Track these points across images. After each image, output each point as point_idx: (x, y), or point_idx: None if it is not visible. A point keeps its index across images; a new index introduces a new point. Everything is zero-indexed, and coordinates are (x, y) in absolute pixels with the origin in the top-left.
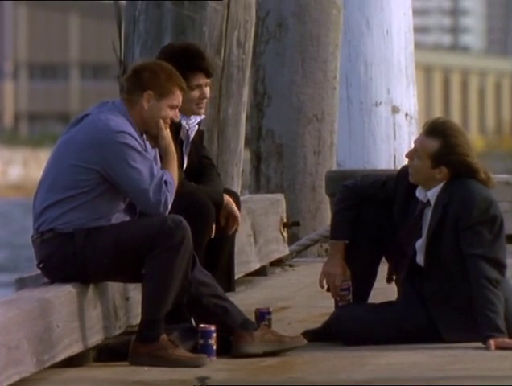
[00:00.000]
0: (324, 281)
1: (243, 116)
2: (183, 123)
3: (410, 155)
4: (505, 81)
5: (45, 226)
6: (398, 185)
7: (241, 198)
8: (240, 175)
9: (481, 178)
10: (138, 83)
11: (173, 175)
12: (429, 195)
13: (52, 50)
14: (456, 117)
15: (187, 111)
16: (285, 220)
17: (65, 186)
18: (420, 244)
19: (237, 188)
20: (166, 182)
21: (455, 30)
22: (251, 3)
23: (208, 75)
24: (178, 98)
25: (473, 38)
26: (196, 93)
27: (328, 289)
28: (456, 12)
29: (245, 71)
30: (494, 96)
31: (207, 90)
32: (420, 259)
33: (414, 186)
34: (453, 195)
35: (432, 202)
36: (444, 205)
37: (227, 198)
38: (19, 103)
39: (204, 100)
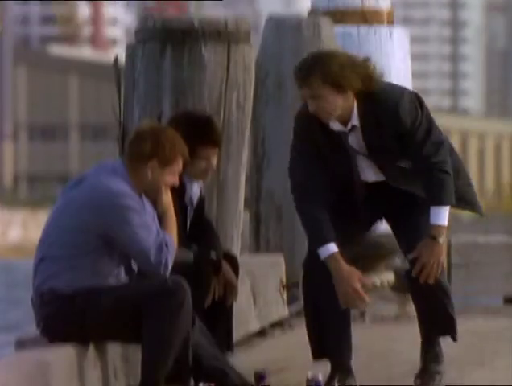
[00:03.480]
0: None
1: (243, 177)
2: (188, 188)
3: (312, 105)
4: (504, 143)
5: (44, 286)
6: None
7: (241, 259)
8: (239, 237)
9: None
10: (141, 151)
11: (173, 237)
12: (353, 121)
13: (52, 111)
14: None
15: (192, 175)
16: (284, 281)
17: (64, 246)
18: (362, 164)
19: (236, 249)
20: (166, 244)
21: (454, 92)
22: (250, 64)
23: (216, 145)
24: (180, 164)
25: (473, 100)
26: (203, 163)
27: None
28: (455, 75)
29: (244, 133)
30: (494, 158)
31: (214, 160)
32: (368, 175)
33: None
34: (377, 111)
35: (358, 125)
36: (375, 123)
37: (226, 266)
38: (19, 164)
39: (211, 170)
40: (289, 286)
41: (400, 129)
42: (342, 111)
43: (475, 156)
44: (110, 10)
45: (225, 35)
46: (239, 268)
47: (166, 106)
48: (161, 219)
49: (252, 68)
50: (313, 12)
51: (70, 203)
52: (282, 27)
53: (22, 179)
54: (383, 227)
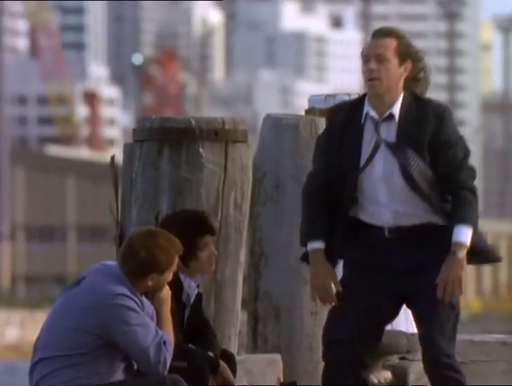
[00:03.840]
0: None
1: (240, 276)
2: (185, 286)
3: (374, 64)
4: (502, 243)
5: (41, 384)
6: (333, 128)
7: (238, 358)
8: (237, 336)
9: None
10: (137, 269)
11: (170, 334)
12: (393, 110)
13: (50, 212)
14: None
15: (193, 272)
16: (282, 380)
17: (62, 346)
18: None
19: (234, 349)
20: (164, 342)
21: None
22: (248, 164)
23: (213, 233)
24: (176, 262)
25: None
26: (205, 253)
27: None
28: None
29: (242, 232)
30: None
31: (213, 247)
32: (377, 169)
33: (349, 119)
34: (423, 110)
35: (396, 116)
36: (416, 119)
37: (223, 365)
38: (17, 265)
39: (214, 258)
40: (287, 385)
41: (437, 138)
42: (388, 95)
43: None
44: (107, 111)
45: (223, 135)
46: (236, 367)
47: (163, 206)
48: (157, 315)
49: (249, 168)
50: (310, 111)
51: (68, 304)
52: (279, 126)
53: (20, 280)
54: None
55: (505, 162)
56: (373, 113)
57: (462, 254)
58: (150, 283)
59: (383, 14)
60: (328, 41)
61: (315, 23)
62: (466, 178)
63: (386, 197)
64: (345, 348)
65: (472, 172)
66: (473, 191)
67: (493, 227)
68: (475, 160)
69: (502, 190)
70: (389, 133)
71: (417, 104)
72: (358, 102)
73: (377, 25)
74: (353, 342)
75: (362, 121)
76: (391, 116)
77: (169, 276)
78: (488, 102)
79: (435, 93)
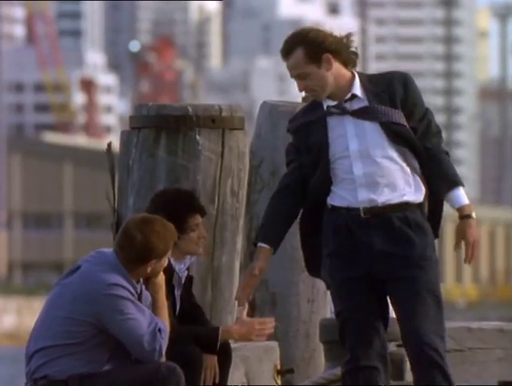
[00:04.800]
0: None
1: (237, 264)
2: (176, 269)
3: (300, 84)
4: (498, 230)
5: (38, 373)
6: (300, 131)
7: (235, 345)
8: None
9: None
10: (136, 255)
11: (166, 322)
12: (354, 91)
13: (46, 199)
14: (449, 266)
15: (181, 255)
16: (279, 368)
17: (57, 336)
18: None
19: None
20: (160, 330)
21: None
22: (245, 152)
23: (202, 214)
24: (172, 245)
25: (467, 188)
26: (195, 234)
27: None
28: None
29: (238, 220)
30: (488, 246)
31: (203, 229)
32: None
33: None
34: (385, 81)
35: (359, 93)
36: (382, 91)
37: (210, 358)
38: (13, 252)
39: (203, 239)
40: (283, 372)
41: (406, 102)
42: (335, 89)
43: None
44: (104, 98)
45: (220, 122)
46: (232, 355)
47: None
48: (153, 302)
49: (246, 155)
50: (306, 98)
51: (63, 293)
52: (276, 113)
53: (17, 267)
54: None
55: (502, 149)
56: (333, 103)
57: (474, 215)
58: (148, 270)
59: (379, 1)
60: (325, 28)
61: (312, 10)
62: (440, 142)
63: (362, 172)
64: (372, 370)
65: (441, 133)
66: (448, 153)
67: (490, 215)
68: (472, 147)
69: (499, 178)
70: (355, 105)
71: (376, 78)
72: (315, 104)
73: (373, 12)
74: (378, 360)
75: (325, 114)
76: (353, 96)
77: (165, 262)
78: (484, 89)
79: (431, 80)
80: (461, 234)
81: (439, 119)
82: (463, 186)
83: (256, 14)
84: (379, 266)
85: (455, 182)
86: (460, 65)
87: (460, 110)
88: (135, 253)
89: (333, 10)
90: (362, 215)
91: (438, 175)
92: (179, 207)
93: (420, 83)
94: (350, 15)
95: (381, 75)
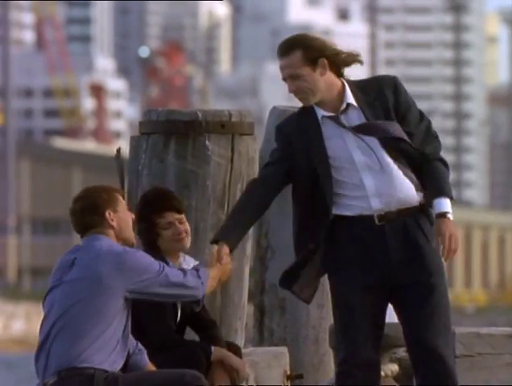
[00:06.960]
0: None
1: (246, 269)
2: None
3: (292, 85)
4: (508, 235)
5: (62, 364)
6: (286, 138)
7: (245, 351)
8: (243, 329)
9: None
10: (94, 216)
11: (208, 273)
12: (347, 100)
13: (55, 204)
14: (459, 271)
15: (171, 254)
16: (288, 373)
17: (85, 322)
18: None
19: (240, 342)
20: (197, 270)
21: (458, 184)
22: (254, 157)
23: (178, 211)
24: (121, 199)
25: (476, 192)
26: (169, 232)
27: None
28: (459, 166)
29: None
30: (498, 250)
31: (182, 226)
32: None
33: (301, 128)
34: (376, 87)
35: (354, 103)
36: (374, 99)
37: (224, 352)
38: (22, 257)
39: (181, 235)
40: (293, 378)
41: (398, 106)
42: (326, 95)
43: (479, 248)
44: (113, 104)
45: (229, 127)
46: (242, 359)
47: None
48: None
49: (256, 160)
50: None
51: (80, 280)
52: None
53: (26, 272)
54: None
55: (511, 154)
56: (328, 113)
57: (450, 216)
58: (114, 223)
59: (389, 7)
60: (334, 33)
61: (322, 16)
62: (438, 149)
63: (372, 182)
64: (364, 372)
65: (438, 139)
66: (444, 161)
67: (499, 220)
68: (481, 152)
69: (508, 183)
70: (352, 120)
71: (366, 85)
72: (305, 110)
73: (383, 18)
74: (370, 363)
75: (320, 123)
76: (349, 105)
77: (125, 212)
78: (494, 95)
79: (441, 86)
80: (437, 231)
81: (449, 124)
82: (450, 198)
83: (265, 19)
84: (396, 273)
85: (441, 192)
86: (470, 70)
87: (470, 115)
88: (92, 215)
89: (343, 15)
90: (377, 222)
91: (429, 183)
92: (143, 208)
93: (429, 88)
94: (359, 21)
95: (369, 82)
